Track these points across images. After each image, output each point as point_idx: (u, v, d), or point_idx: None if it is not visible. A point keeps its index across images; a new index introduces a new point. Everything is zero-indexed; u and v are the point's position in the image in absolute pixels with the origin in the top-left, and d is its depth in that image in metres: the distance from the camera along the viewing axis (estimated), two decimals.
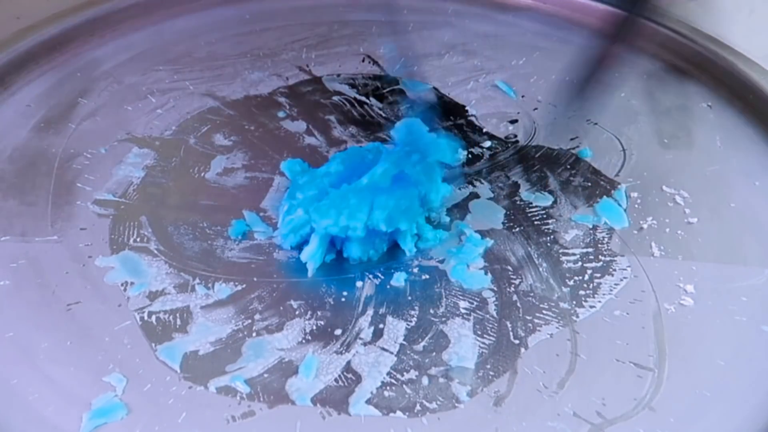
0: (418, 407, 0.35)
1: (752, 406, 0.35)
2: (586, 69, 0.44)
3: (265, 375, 0.36)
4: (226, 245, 0.42)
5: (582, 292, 0.40)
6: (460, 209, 0.45)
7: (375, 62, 0.58)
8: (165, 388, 0.35)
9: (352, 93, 0.55)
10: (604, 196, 0.46)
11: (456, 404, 0.35)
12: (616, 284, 0.41)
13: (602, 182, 0.48)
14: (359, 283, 0.40)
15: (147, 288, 0.40)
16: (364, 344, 0.37)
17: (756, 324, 0.39)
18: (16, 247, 0.41)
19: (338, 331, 0.38)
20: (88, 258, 0.41)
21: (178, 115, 0.52)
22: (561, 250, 0.43)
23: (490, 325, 0.39)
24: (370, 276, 0.41)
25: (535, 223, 0.45)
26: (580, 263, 0.42)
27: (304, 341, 0.37)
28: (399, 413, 0.34)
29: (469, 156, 0.49)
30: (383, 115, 0.53)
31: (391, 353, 0.37)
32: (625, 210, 0.45)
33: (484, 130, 0.52)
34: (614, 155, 0.50)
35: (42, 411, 0.34)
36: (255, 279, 0.40)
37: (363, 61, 0.58)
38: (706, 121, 0.53)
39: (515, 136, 0.51)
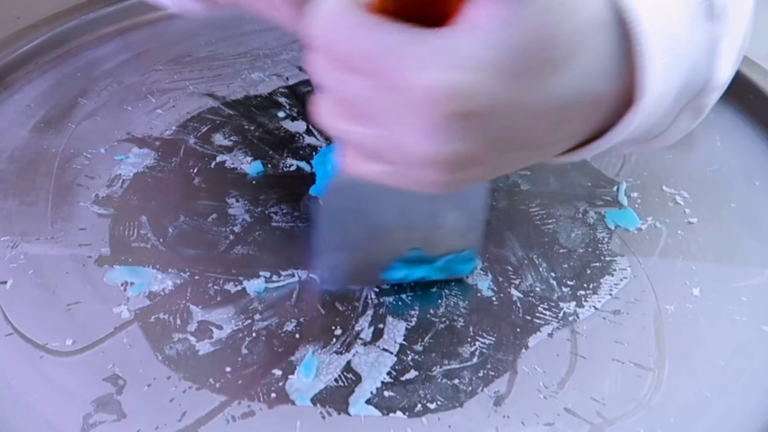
0: (418, 407, 0.35)
1: (752, 406, 0.35)
2: None
3: (266, 375, 0.36)
4: (226, 245, 0.42)
5: (582, 292, 0.40)
6: None
7: None
8: (165, 388, 0.35)
9: None
10: (608, 209, 0.46)
11: (456, 404, 0.35)
12: (616, 284, 0.41)
13: (602, 182, 0.48)
14: None
15: (147, 288, 0.40)
16: (364, 344, 0.37)
17: (756, 324, 0.39)
18: (16, 247, 0.41)
19: (338, 331, 0.38)
20: (88, 258, 0.41)
21: (178, 115, 0.52)
22: (561, 250, 0.43)
23: (490, 325, 0.39)
24: None
25: (535, 223, 0.45)
26: (580, 263, 0.42)
27: (304, 341, 0.37)
28: (399, 413, 0.34)
29: None
30: None
31: (391, 353, 0.37)
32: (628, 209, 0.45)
33: None
34: (614, 155, 0.50)
35: (42, 411, 0.34)
36: (255, 279, 0.40)
37: None
38: (706, 121, 0.53)
39: None
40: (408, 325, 0.38)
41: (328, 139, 0.50)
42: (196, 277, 0.40)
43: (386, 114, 0.23)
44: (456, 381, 0.36)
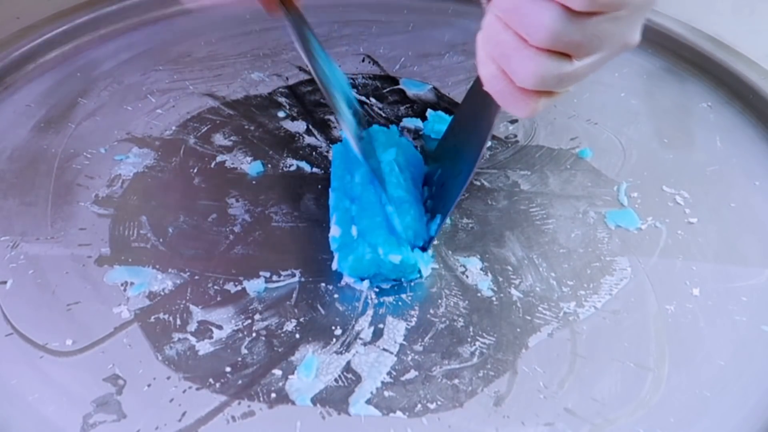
0: (418, 407, 0.35)
1: (752, 406, 0.35)
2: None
3: (266, 375, 0.36)
4: (226, 245, 0.42)
5: (582, 292, 0.40)
6: None
7: (375, 62, 0.58)
8: (165, 388, 0.35)
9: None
10: (608, 209, 0.46)
11: (456, 404, 0.35)
12: (616, 284, 0.41)
13: (602, 182, 0.48)
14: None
15: (147, 288, 0.40)
16: (364, 344, 0.37)
17: (756, 324, 0.39)
18: (16, 247, 0.41)
19: (338, 331, 0.38)
20: (88, 258, 0.41)
21: (178, 115, 0.52)
22: (561, 250, 0.43)
23: (490, 325, 0.39)
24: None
25: (535, 223, 0.45)
26: (580, 263, 0.42)
27: (304, 341, 0.37)
28: (399, 413, 0.34)
29: None
30: (383, 115, 0.53)
31: (391, 353, 0.37)
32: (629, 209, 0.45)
33: None
34: (614, 155, 0.50)
35: (42, 411, 0.34)
36: (255, 279, 0.40)
37: (363, 61, 0.58)
38: (706, 121, 0.53)
39: (515, 136, 0.51)
40: (408, 325, 0.38)
41: (328, 139, 0.50)
42: (196, 277, 0.40)
43: None
44: (456, 381, 0.36)
